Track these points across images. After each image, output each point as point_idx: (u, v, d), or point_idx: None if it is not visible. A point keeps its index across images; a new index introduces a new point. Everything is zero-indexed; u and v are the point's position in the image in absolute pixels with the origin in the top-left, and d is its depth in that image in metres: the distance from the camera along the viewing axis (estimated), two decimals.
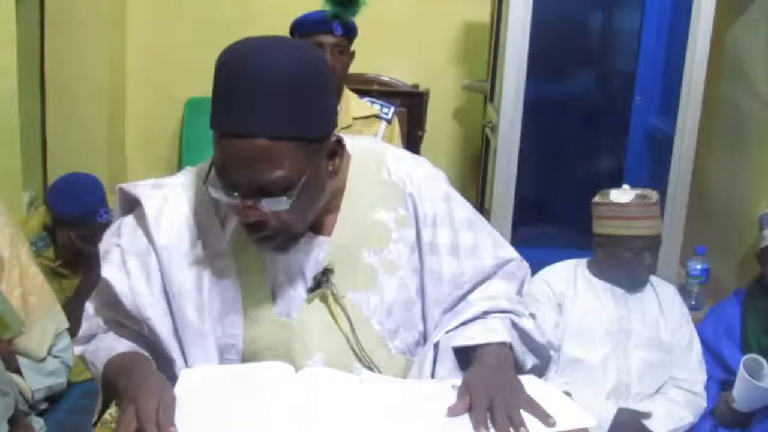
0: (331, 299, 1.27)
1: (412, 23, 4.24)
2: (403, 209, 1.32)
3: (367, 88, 3.55)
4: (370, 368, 1.28)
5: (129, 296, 1.24)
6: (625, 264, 2.32)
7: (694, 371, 2.37)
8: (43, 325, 2.34)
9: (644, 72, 3.97)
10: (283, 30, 2.69)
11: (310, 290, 1.27)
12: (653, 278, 2.45)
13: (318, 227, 1.29)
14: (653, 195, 2.32)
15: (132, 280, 1.24)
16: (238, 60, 1.11)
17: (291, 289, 1.27)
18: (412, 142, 3.82)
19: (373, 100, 2.83)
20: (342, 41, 2.57)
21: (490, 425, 1.11)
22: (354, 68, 2.77)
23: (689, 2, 3.05)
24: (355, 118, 2.70)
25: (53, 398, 2.47)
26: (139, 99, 4.30)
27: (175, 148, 4.35)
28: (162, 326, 1.24)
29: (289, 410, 1.12)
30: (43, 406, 2.43)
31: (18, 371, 2.29)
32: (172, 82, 4.22)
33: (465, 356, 1.28)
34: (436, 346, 1.29)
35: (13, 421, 2.06)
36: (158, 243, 1.24)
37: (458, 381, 1.21)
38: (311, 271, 1.27)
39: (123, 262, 1.25)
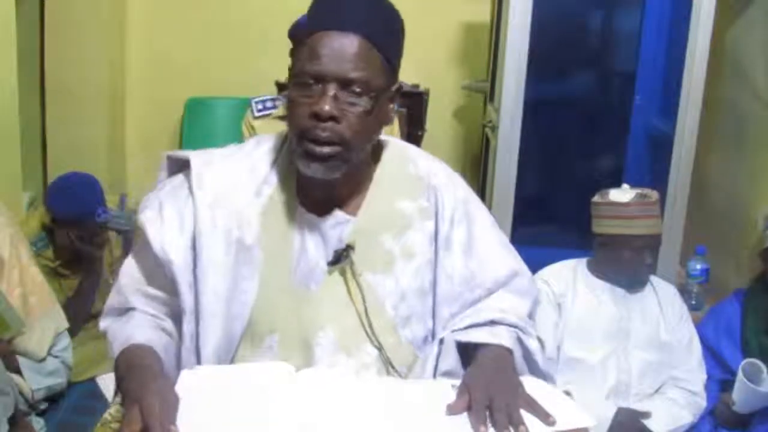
0: (349, 275, 1.31)
1: (412, 23, 4.15)
2: (425, 201, 1.37)
3: None
4: (379, 350, 1.30)
5: (158, 239, 1.29)
6: (625, 263, 2.32)
7: (693, 371, 2.37)
8: (43, 325, 2.34)
9: (644, 72, 3.95)
10: (283, 31, 2.70)
11: (330, 263, 1.31)
12: (653, 278, 2.45)
13: (345, 205, 1.33)
14: (653, 194, 2.32)
15: (164, 225, 1.30)
16: None
17: (312, 262, 1.31)
18: (412, 142, 3.77)
19: None
20: None
21: (489, 424, 1.12)
22: None
23: (689, 2, 3.04)
24: None
25: (53, 398, 2.46)
26: (139, 99, 4.30)
27: (175, 148, 4.31)
28: (182, 275, 1.28)
29: (290, 410, 1.13)
30: (43, 406, 2.42)
31: (18, 371, 2.29)
32: (172, 82, 4.21)
33: (468, 357, 1.30)
34: (441, 342, 1.31)
35: (13, 421, 2.06)
36: (197, 198, 1.31)
37: (458, 381, 1.22)
38: (333, 246, 1.31)
39: (160, 208, 1.32)
